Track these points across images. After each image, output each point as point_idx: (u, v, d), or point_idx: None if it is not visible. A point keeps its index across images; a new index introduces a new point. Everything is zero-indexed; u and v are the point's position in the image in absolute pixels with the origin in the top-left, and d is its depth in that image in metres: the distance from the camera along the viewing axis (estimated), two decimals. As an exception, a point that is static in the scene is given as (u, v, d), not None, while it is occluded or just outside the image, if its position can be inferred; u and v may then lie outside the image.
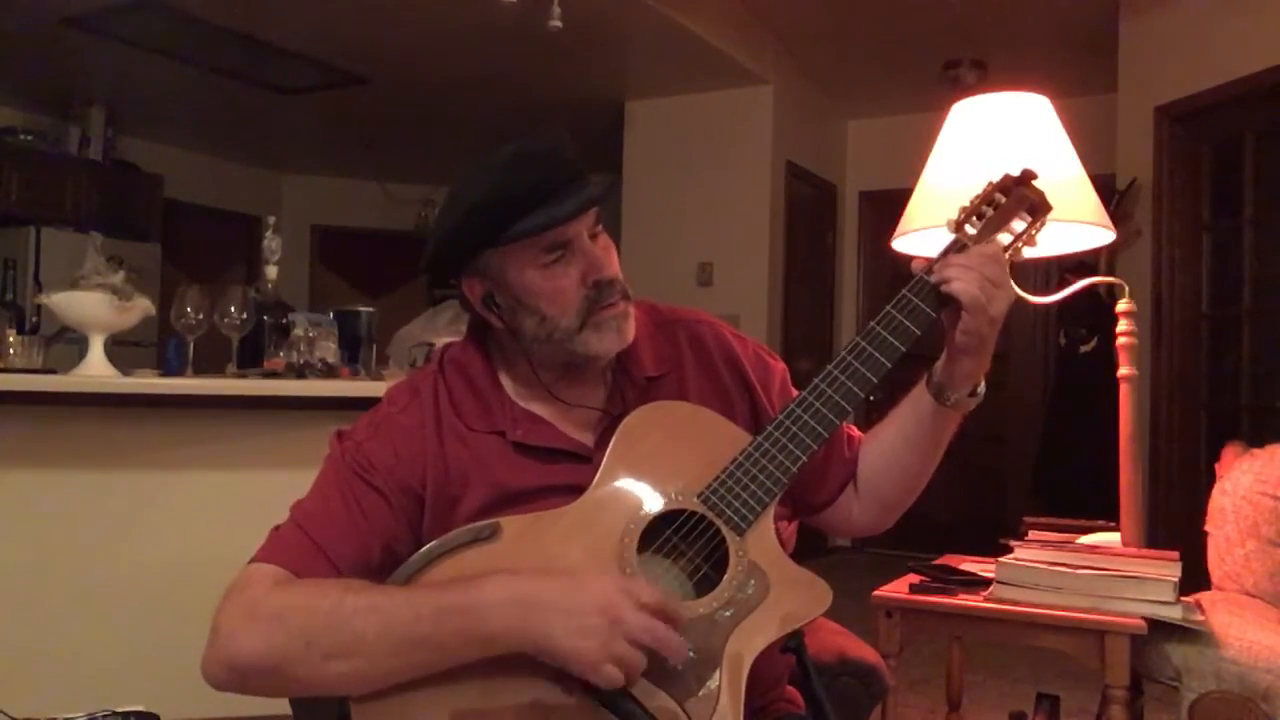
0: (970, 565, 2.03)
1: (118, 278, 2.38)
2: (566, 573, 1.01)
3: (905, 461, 1.25)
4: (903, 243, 2.05)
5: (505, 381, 1.20)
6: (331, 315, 2.76)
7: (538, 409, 1.18)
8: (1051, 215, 1.21)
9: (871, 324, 1.13)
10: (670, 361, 1.23)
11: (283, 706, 1.25)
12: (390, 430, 1.15)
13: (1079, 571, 1.77)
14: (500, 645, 0.97)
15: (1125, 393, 2.02)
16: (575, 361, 1.16)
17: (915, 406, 1.22)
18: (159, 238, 6.24)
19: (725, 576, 1.05)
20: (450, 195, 1.14)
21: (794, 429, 1.10)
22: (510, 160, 1.08)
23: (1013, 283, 1.16)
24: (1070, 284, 2.10)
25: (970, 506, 5.49)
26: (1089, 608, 1.74)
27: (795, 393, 1.20)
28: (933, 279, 1.13)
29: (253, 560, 1.08)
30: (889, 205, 2.83)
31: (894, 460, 1.26)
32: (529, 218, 1.08)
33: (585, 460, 1.14)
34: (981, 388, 1.20)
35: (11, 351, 2.44)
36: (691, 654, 1.00)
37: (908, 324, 1.12)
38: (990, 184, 1.20)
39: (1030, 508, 3.76)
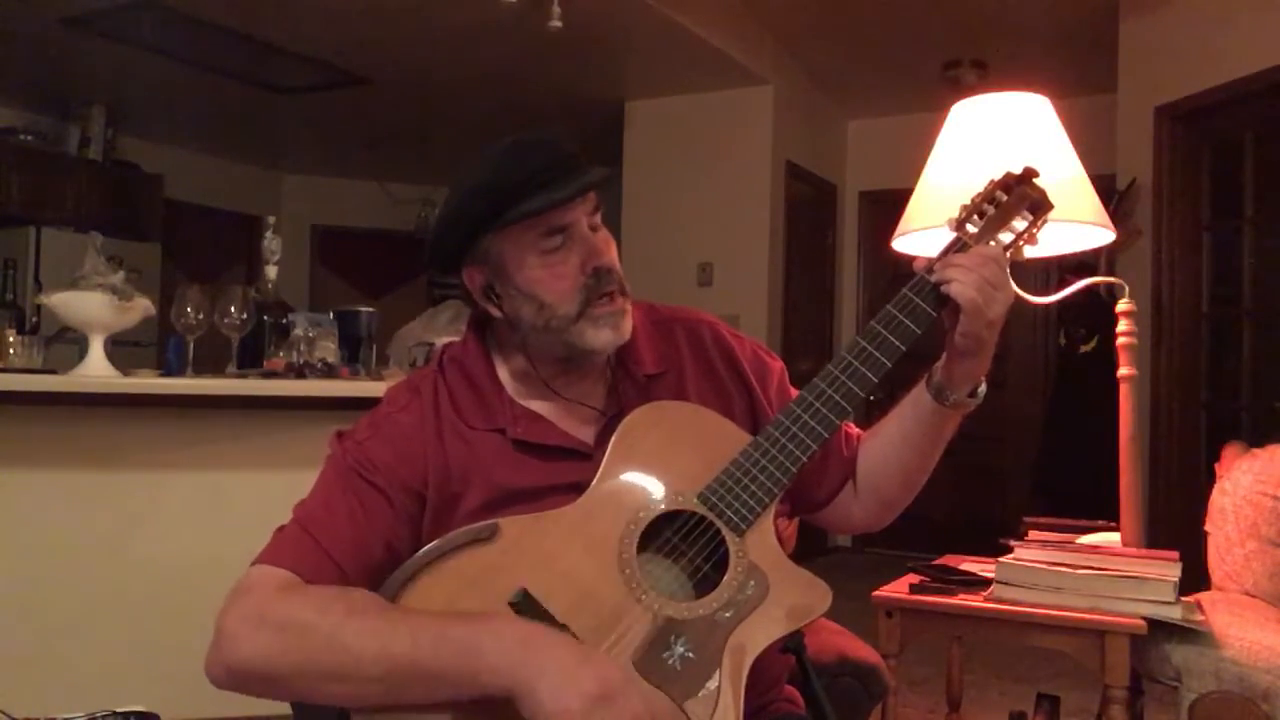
0: (970, 565, 2.03)
1: (118, 278, 2.38)
2: (580, 644, 0.98)
3: (904, 460, 1.25)
4: (903, 243, 2.05)
5: (505, 379, 1.20)
6: (331, 315, 2.76)
7: (537, 407, 1.18)
8: (1052, 215, 1.20)
9: (872, 323, 1.13)
10: (669, 359, 1.23)
11: (283, 707, 1.25)
12: (390, 429, 1.15)
13: (1079, 571, 1.76)
14: (487, 681, 0.94)
15: (1125, 393, 2.02)
16: (573, 355, 1.15)
17: (915, 406, 1.22)
18: (159, 238, 6.24)
19: (725, 577, 1.05)
20: (452, 186, 1.15)
21: (794, 429, 1.10)
22: (510, 147, 1.11)
23: (1013, 283, 1.16)
24: (1070, 284, 2.10)
25: (970, 506, 5.49)
26: (1089, 608, 1.74)
27: (793, 391, 1.20)
28: (933, 278, 1.12)
29: (256, 562, 1.07)
30: (889, 205, 2.83)
31: (893, 459, 1.26)
32: (528, 200, 1.08)
33: (586, 458, 1.14)
34: (982, 388, 1.20)
35: (11, 351, 2.44)
36: (691, 654, 1.01)
37: (908, 323, 1.12)
38: (992, 182, 1.20)
39: (1030, 508, 3.77)
